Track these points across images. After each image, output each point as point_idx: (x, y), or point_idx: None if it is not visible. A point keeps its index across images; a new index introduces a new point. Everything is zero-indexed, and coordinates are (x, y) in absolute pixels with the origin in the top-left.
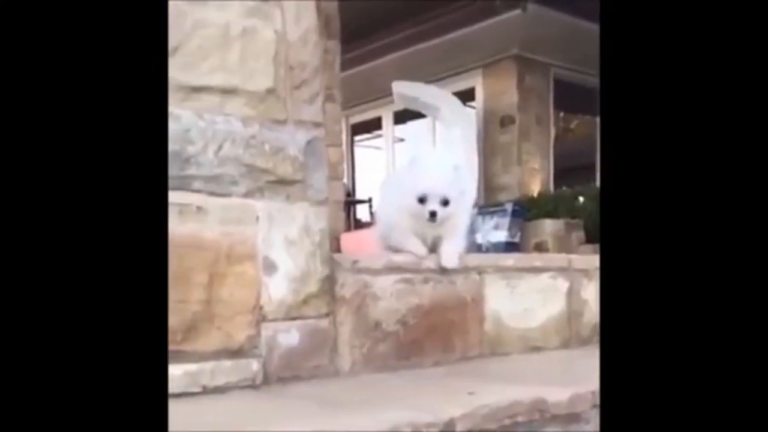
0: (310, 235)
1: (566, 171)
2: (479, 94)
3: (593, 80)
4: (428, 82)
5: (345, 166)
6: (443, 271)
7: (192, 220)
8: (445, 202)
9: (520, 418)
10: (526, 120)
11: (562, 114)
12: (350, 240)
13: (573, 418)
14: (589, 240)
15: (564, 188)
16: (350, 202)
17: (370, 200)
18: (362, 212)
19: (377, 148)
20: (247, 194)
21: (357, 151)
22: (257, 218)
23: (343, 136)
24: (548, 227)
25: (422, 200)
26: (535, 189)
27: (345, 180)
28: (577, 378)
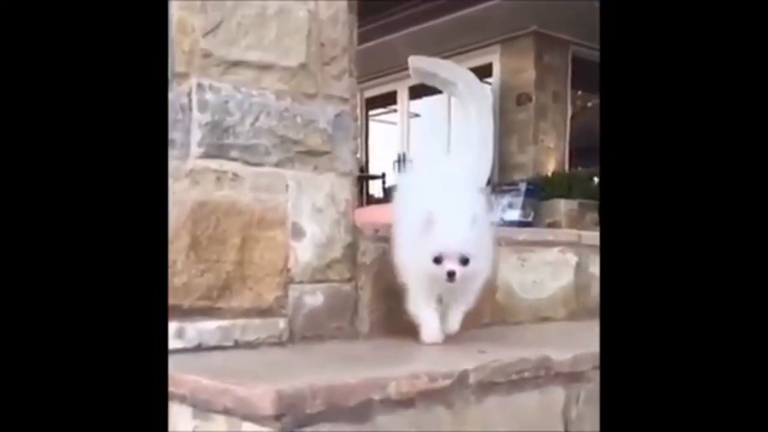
0: (336, 203)
1: (583, 150)
2: (496, 70)
3: None
4: (445, 57)
5: (359, 140)
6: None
7: (228, 187)
8: (465, 261)
9: (526, 374)
10: (543, 98)
11: (579, 92)
12: (362, 215)
13: (576, 376)
14: None
15: (579, 168)
16: (363, 177)
17: (383, 176)
18: (375, 188)
19: (392, 122)
20: (279, 164)
21: (371, 125)
22: (287, 186)
23: (358, 110)
24: (562, 207)
25: (438, 260)
26: (550, 168)
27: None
28: (580, 344)
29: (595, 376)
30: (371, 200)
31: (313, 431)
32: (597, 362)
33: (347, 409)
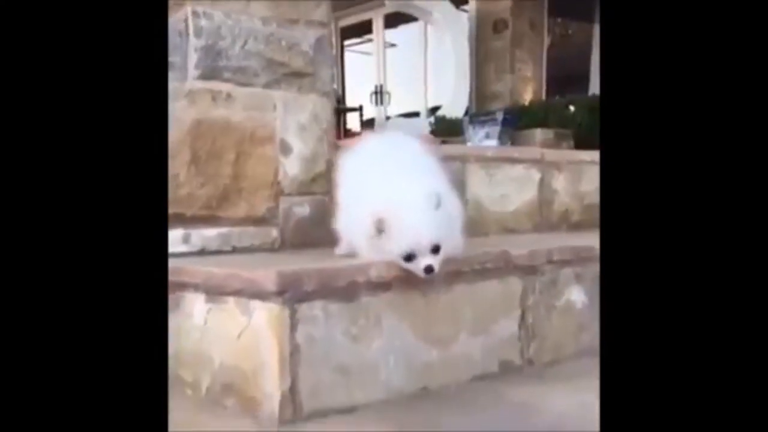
0: (318, 122)
1: (561, 79)
2: None
3: None
4: None
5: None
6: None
7: (222, 107)
8: (437, 248)
9: (489, 265)
10: (519, 25)
11: (559, 20)
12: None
13: (532, 269)
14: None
15: (557, 98)
16: (340, 110)
17: (360, 108)
18: (352, 121)
19: (367, 53)
20: (267, 85)
21: (346, 56)
22: (275, 106)
23: (333, 40)
24: (538, 136)
25: (410, 257)
26: (527, 97)
27: (335, 86)
28: (538, 246)
29: (549, 269)
30: (348, 134)
31: (309, 306)
32: (551, 257)
33: (337, 289)
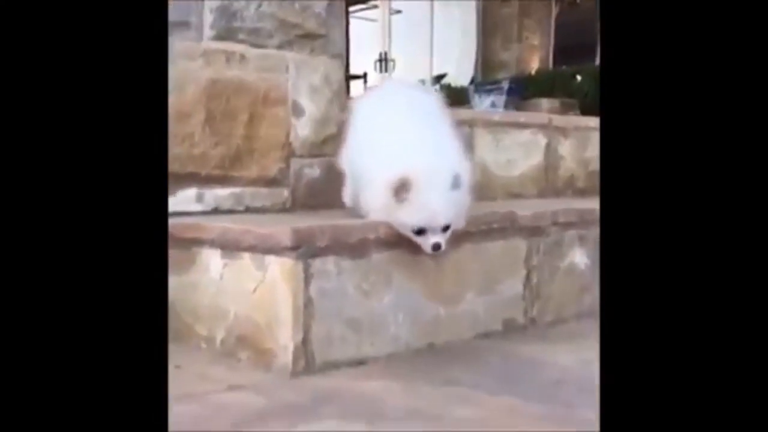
0: (330, 84)
1: (568, 49)
2: None
3: None
4: None
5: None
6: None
7: (236, 67)
8: (446, 228)
9: (495, 225)
10: None
11: None
12: None
13: (536, 230)
14: None
15: (564, 67)
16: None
17: (364, 75)
18: (356, 88)
19: (372, 20)
20: (280, 46)
21: (351, 23)
22: (287, 68)
23: None
24: (544, 106)
25: (420, 232)
26: (533, 66)
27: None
28: (544, 209)
29: (553, 231)
30: None
31: (322, 262)
32: (556, 219)
33: (348, 246)
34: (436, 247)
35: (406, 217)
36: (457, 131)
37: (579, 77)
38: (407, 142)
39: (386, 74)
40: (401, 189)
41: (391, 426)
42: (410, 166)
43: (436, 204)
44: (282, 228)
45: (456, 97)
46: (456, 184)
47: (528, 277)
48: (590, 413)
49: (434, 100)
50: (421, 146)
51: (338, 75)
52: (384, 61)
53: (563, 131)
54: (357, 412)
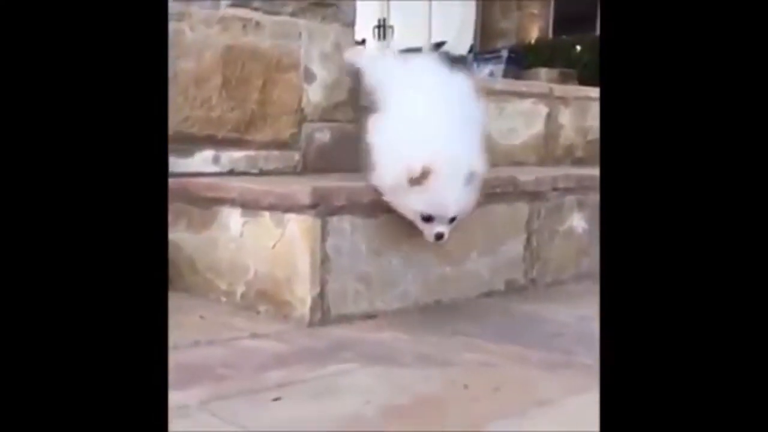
0: (340, 51)
1: (568, 18)
2: None
3: None
4: None
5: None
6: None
7: (251, 34)
8: (453, 219)
9: (498, 189)
10: None
11: None
12: None
13: (538, 195)
14: None
15: (563, 37)
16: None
17: (363, 42)
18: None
19: None
20: (293, 14)
21: None
22: (300, 35)
23: None
24: (543, 76)
25: (428, 219)
26: (533, 36)
27: None
28: (544, 175)
29: (554, 196)
30: None
31: (338, 220)
32: (556, 184)
33: (362, 206)
34: (439, 236)
35: (418, 203)
36: (480, 118)
37: (579, 47)
38: (434, 128)
39: (385, 41)
40: (420, 175)
41: (406, 368)
42: (434, 155)
43: (451, 196)
44: (301, 187)
45: (455, 66)
46: (470, 179)
47: (529, 240)
48: (588, 359)
49: (467, 83)
50: (447, 136)
51: (349, 42)
52: (383, 28)
53: (564, 101)
54: (373, 357)
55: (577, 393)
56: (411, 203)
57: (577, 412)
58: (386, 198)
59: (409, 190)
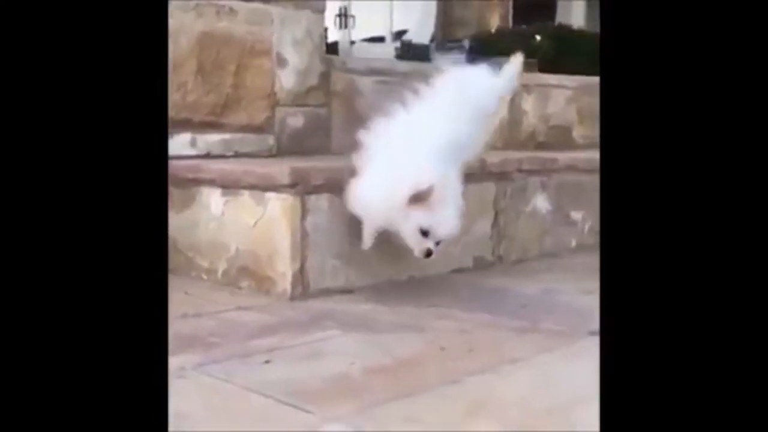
0: (312, 37)
1: (527, 6)
2: None
3: None
4: None
5: None
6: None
7: (225, 20)
8: (438, 242)
9: (467, 170)
10: None
11: None
12: None
13: (504, 175)
14: None
15: (523, 26)
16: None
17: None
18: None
19: None
20: (266, 0)
21: None
22: (272, 21)
23: None
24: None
25: (425, 234)
26: (493, 24)
27: None
28: (510, 156)
29: (519, 177)
30: None
31: (317, 198)
32: (521, 165)
33: (339, 185)
34: (429, 253)
35: (419, 217)
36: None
37: (538, 37)
38: (445, 147)
39: (346, 30)
40: (423, 193)
41: (386, 334)
42: (436, 175)
43: (452, 219)
44: (280, 168)
45: (418, 54)
46: (458, 207)
47: (496, 219)
48: (553, 326)
49: (490, 91)
50: (453, 156)
51: (320, 29)
52: (344, 17)
53: (526, 88)
54: (354, 325)
55: (546, 352)
56: (413, 218)
57: (546, 368)
58: (371, 219)
59: (409, 206)
